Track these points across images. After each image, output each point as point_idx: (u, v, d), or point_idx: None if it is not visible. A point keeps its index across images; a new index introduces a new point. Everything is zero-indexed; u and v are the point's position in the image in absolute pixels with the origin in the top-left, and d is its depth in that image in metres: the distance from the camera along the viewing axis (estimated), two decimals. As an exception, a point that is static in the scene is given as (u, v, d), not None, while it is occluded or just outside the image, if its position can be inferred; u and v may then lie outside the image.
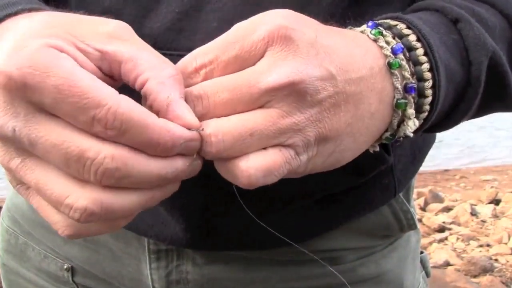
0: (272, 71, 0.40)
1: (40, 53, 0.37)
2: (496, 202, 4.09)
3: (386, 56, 0.45)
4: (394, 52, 0.45)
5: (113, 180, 0.38)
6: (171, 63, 0.41)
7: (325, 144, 0.42)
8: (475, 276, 2.95)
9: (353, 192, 0.61)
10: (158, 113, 0.39)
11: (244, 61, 0.41)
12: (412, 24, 0.47)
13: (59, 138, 0.37)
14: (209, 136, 0.40)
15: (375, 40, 0.45)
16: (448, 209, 3.90)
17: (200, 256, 0.63)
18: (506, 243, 3.37)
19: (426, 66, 0.46)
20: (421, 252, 0.76)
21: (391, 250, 0.69)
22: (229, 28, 0.51)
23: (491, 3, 0.55)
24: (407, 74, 0.45)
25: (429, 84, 0.46)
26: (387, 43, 0.45)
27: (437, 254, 3.17)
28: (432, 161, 5.09)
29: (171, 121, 0.39)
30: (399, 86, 0.45)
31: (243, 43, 0.41)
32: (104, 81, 0.40)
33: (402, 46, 0.46)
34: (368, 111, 0.44)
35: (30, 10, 0.43)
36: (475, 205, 4.02)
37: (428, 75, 0.46)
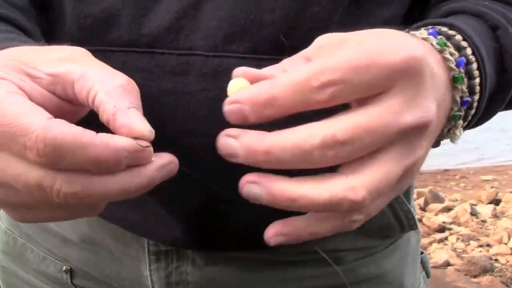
0: (407, 111, 0.39)
1: None
2: (496, 202, 4.10)
3: (450, 69, 0.45)
4: (457, 65, 0.45)
5: (78, 200, 0.38)
6: (123, 75, 0.40)
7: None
8: (475, 276, 2.95)
9: None
10: (108, 125, 0.38)
11: (373, 88, 0.38)
12: (467, 35, 0.47)
13: (15, 171, 0.38)
14: (364, 201, 0.38)
15: (440, 51, 0.45)
16: (448, 209, 3.91)
17: (200, 257, 0.62)
18: (506, 243, 3.37)
19: (477, 80, 0.47)
20: (421, 253, 0.76)
21: (391, 251, 0.68)
22: (228, 26, 0.50)
23: None
24: (464, 88, 0.45)
25: (477, 97, 0.47)
26: (451, 54, 0.45)
27: (437, 254, 3.18)
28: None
29: (118, 131, 0.38)
30: (458, 99, 0.45)
31: (377, 68, 0.38)
32: (60, 106, 0.40)
33: (464, 60, 0.46)
34: (440, 128, 0.45)
35: (3, 48, 0.43)
36: (475, 205, 4.02)
37: (478, 89, 0.47)
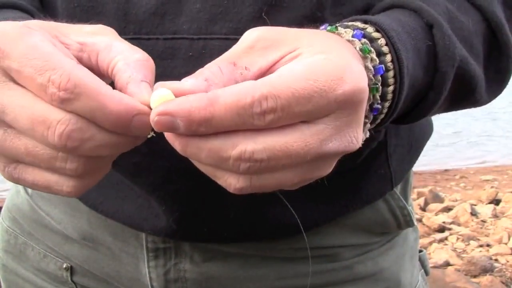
0: (334, 140, 0.39)
1: (16, 28, 0.40)
2: (496, 202, 4.09)
3: (368, 78, 0.44)
4: (375, 73, 0.45)
5: (77, 143, 0.39)
6: (143, 52, 0.42)
7: None
8: (475, 276, 2.94)
9: (349, 182, 0.61)
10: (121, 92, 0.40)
11: (311, 115, 0.38)
12: (390, 40, 0.47)
13: (27, 101, 0.39)
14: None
15: (363, 58, 0.44)
16: (448, 209, 3.90)
17: (198, 254, 0.63)
18: (506, 243, 3.37)
19: (391, 88, 0.47)
20: (420, 251, 0.76)
21: (388, 248, 0.69)
22: (211, 8, 0.51)
23: None
24: (377, 96, 0.45)
25: (388, 104, 0.47)
26: (371, 60, 0.45)
27: (437, 254, 3.17)
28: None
29: None
30: (368, 107, 0.45)
31: (319, 100, 0.38)
32: None
33: (383, 68, 0.45)
34: None
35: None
36: (475, 205, 4.01)
37: (390, 96, 0.47)
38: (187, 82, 0.39)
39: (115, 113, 0.38)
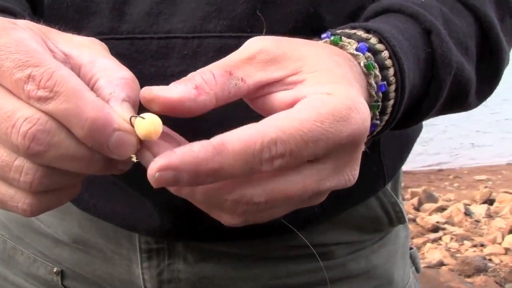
0: (332, 179, 0.39)
1: (1, 22, 0.38)
2: (490, 202, 4.10)
3: (369, 94, 0.44)
4: (377, 90, 0.44)
5: (42, 147, 0.36)
6: (129, 71, 0.40)
7: None
8: (469, 276, 2.95)
9: None
10: None
11: (314, 157, 0.38)
12: (393, 52, 0.46)
13: None
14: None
15: (367, 74, 0.44)
16: (442, 209, 3.91)
17: (192, 254, 0.63)
18: (500, 243, 3.38)
19: (392, 102, 0.46)
20: (411, 248, 0.77)
21: (380, 245, 0.69)
22: (205, 6, 0.51)
23: None
24: (376, 112, 0.45)
25: (386, 117, 0.47)
26: (374, 76, 0.44)
27: (431, 254, 3.18)
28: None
29: None
30: None
31: (326, 143, 0.37)
32: None
33: (385, 85, 0.45)
34: None
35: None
36: (469, 205, 4.03)
37: (389, 109, 0.47)
38: (176, 89, 0.38)
39: (91, 120, 0.36)
